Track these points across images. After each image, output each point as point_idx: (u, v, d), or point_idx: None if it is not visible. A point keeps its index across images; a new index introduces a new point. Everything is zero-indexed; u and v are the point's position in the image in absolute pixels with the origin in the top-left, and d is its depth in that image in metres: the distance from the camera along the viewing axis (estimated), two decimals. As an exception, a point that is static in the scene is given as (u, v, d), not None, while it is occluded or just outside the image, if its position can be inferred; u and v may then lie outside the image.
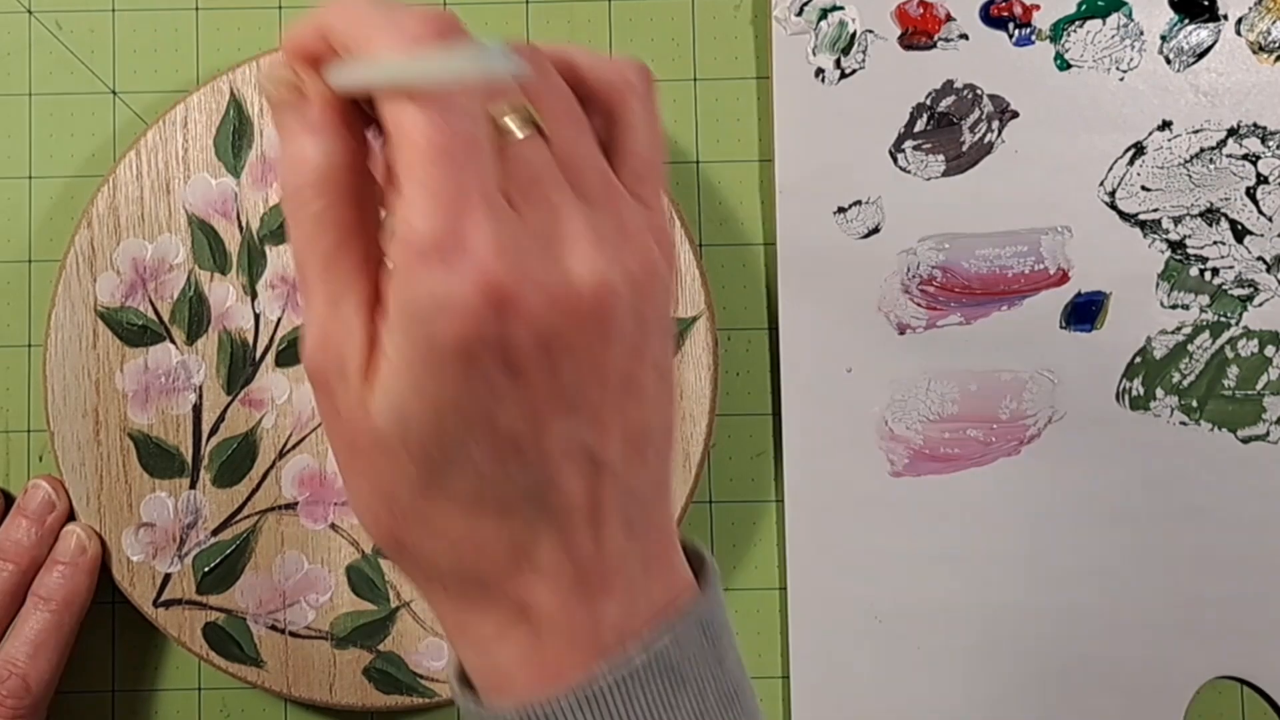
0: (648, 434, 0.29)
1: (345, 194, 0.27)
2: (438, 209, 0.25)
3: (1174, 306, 0.46)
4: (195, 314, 0.45)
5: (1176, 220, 0.46)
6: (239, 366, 0.45)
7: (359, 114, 0.28)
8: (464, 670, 0.30)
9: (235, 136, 0.45)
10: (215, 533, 0.45)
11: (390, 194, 0.26)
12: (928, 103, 0.46)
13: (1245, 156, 0.46)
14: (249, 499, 0.45)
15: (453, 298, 0.25)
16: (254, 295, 0.45)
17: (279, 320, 0.45)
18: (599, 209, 0.27)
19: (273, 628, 0.45)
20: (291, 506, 0.45)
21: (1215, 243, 0.46)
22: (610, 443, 0.28)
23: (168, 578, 0.45)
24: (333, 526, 0.45)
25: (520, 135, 0.27)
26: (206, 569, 0.45)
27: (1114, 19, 0.46)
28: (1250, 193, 0.46)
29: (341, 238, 0.27)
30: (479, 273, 0.25)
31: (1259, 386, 0.46)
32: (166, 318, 0.45)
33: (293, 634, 0.45)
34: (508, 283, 0.25)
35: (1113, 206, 0.46)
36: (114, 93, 0.48)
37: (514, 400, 0.26)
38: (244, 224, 0.45)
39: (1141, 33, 0.46)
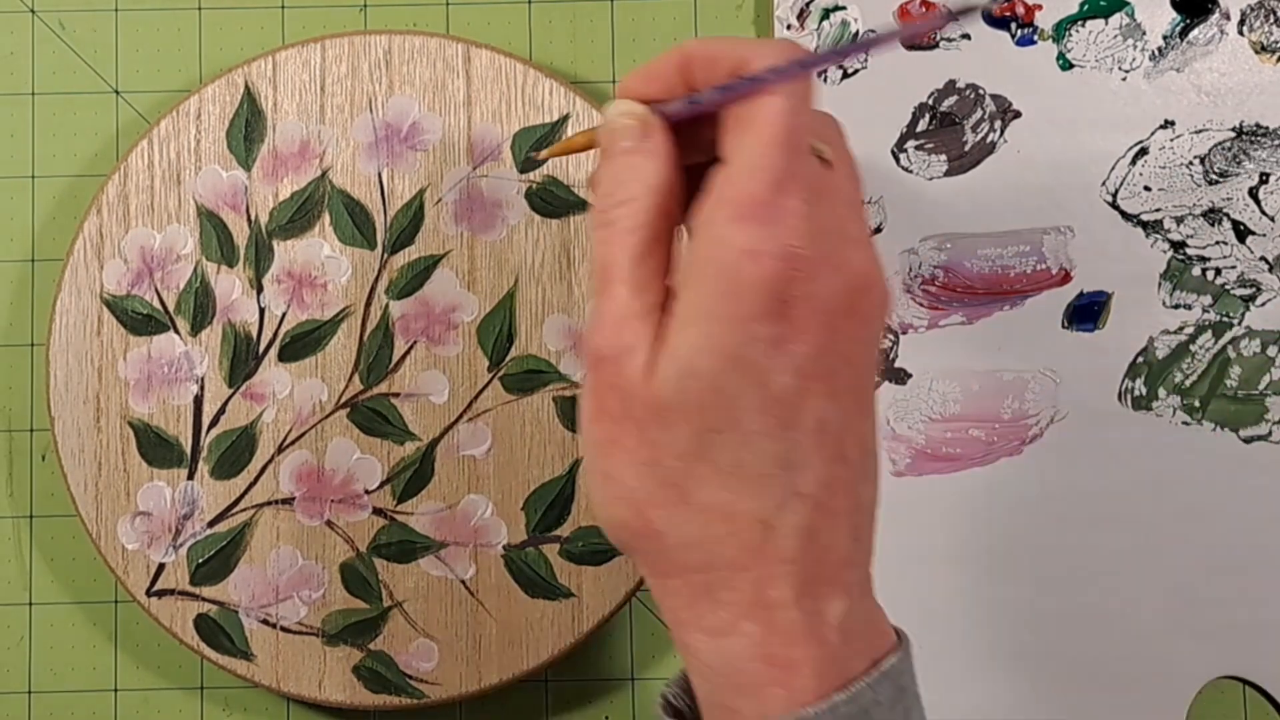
0: (871, 451, 0.36)
1: (665, 210, 0.36)
2: (768, 180, 0.33)
3: (1176, 306, 0.52)
4: (200, 305, 0.51)
5: (1179, 220, 0.52)
6: (241, 359, 0.52)
7: (679, 153, 0.37)
8: (668, 700, 0.37)
9: (248, 130, 0.52)
10: (211, 524, 0.51)
11: (715, 179, 0.35)
12: (930, 102, 0.53)
13: (1247, 156, 0.53)
14: (246, 492, 0.51)
15: (762, 250, 0.33)
16: (260, 289, 0.52)
17: (283, 315, 0.52)
18: (865, 239, 0.36)
19: (264, 622, 0.51)
20: (288, 501, 0.51)
21: (1218, 243, 0.52)
22: (850, 441, 0.35)
23: (162, 567, 0.51)
24: (328, 523, 0.51)
25: (820, 158, 0.36)
26: (201, 560, 0.51)
27: (1116, 19, 0.53)
28: (1253, 193, 0.52)
29: (653, 243, 0.36)
30: (788, 234, 0.33)
31: (1261, 386, 0.52)
32: (171, 308, 0.51)
33: (284, 629, 0.51)
34: (809, 249, 0.33)
35: (1115, 206, 0.52)
36: (117, 92, 0.55)
37: (788, 361, 0.33)
38: (253, 218, 0.52)
39: (1144, 32, 0.53)
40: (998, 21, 0.53)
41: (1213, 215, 0.52)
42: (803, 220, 0.33)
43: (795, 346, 0.33)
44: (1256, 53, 0.53)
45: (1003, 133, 0.53)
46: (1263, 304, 0.52)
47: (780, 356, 0.33)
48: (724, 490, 0.34)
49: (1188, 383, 0.52)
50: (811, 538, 0.34)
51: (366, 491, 0.51)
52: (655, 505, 0.34)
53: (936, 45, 0.53)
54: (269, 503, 0.51)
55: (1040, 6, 0.53)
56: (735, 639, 0.34)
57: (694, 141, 0.36)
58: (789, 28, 0.53)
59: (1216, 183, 0.52)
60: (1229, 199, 0.52)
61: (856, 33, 0.53)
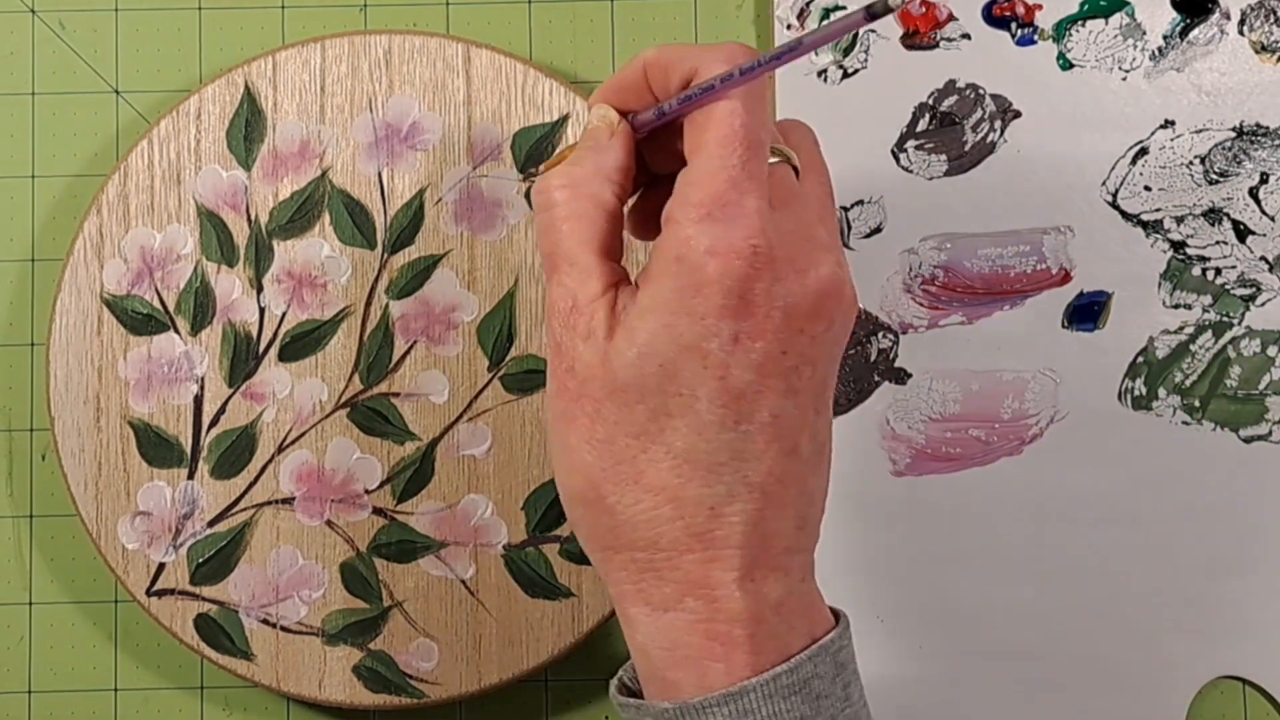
0: (824, 448, 0.37)
1: (607, 203, 0.38)
2: (725, 180, 0.35)
3: (1176, 306, 0.52)
4: (200, 305, 0.51)
5: (1179, 220, 0.52)
6: (241, 359, 0.52)
7: (638, 156, 0.39)
8: (623, 681, 0.39)
9: (248, 130, 0.52)
10: (211, 524, 0.51)
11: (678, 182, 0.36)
12: (930, 102, 0.53)
13: (1247, 156, 0.53)
14: (246, 492, 0.51)
15: (724, 246, 0.34)
16: (260, 289, 0.52)
17: (283, 315, 0.52)
18: (834, 245, 0.37)
19: (264, 621, 0.51)
20: (288, 501, 0.51)
21: (1218, 242, 0.52)
22: (805, 437, 0.36)
23: (162, 567, 0.51)
24: (329, 523, 0.51)
25: (779, 161, 0.38)
26: (201, 560, 0.51)
27: (1116, 19, 0.53)
28: (1253, 192, 0.52)
29: (597, 229, 0.37)
30: (750, 232, 0.35)
31: (1261, 386, 0.52)
32: (172, 308, 0.51)
33: (284, 629, 0.51)
34: (770, 247, 0.35)
35: (1115, 206, 0.52)
36: (117, 92, 0.55)
37: (746, 355, 0.35)
38: (253, 217, 0.52)
39: (1144, 32, 0.53)
40: (998, 21, 0.53)
41: (1213, 215, 0.52)
42: (762, 219, 0.35)
43: (755, 343, 0.35)
44: (1257, 52, 0.53)
45: (1003, 132, 0.53)
46: (1263, 304, 0.52)
47: (739, 352, 0.35)
48: (675, 474, 0.35)
49: (1188, 383, 0.52)
50: (757, 526, 0.36)
51: (366, 491, 0.51)
52: (609, 481, 0.36)
53: (937, 45, 0.53)
54: (269, 502, 0.51)
55: (1040, 6, 0.53)
56: (677, 614, 0.36)
57: (671, 151, 0.38)
58: (789, 27, 0.53)
59: (1217, 182, 0.52)
60: (1229, 199, 0.52)
61: (856, 35, 0.53)
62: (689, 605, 0.36)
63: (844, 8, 0.53)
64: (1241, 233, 0.52)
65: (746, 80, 0.35)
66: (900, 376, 0.53)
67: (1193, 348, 0.52)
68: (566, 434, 0.37)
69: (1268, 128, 0.52)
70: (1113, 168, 0.53)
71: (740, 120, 0.35)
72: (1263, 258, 0.52)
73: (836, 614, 0.38)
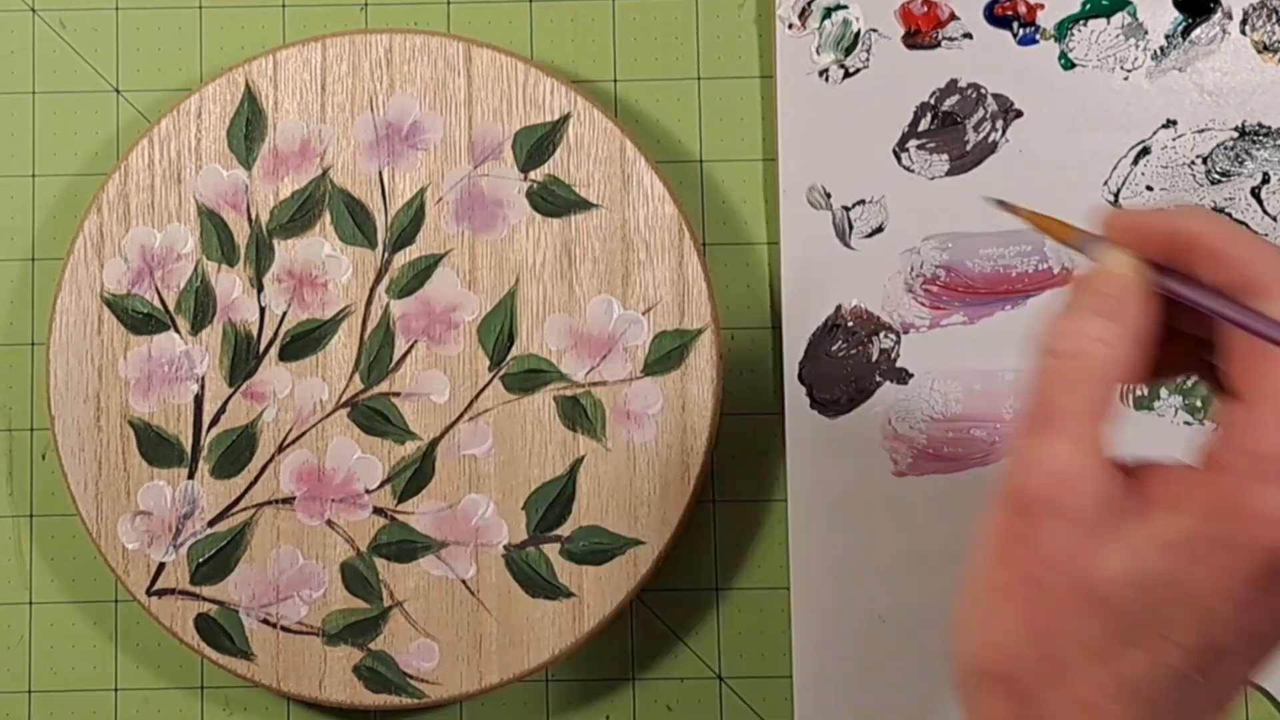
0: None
1: (1128, 369, 0.34)
2: None
3: (1179, 305, 0.53)
4: (201, 304, 0.52)
5: (1181, 219, 0.53)
6: (242, 359, 0.52)
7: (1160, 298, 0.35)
8: None
9: (248, 129, 0.52)
10: (211, 524, 0.51)
11: (1229, 403, 0.33)
12: (932, 102, 0.53)
13: (1250, 156, 0.53)
14: (246, 491, 0.51)
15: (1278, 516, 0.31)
16: (260, 288, 0.52)
17: (284, 314, 0.52)
18: None
19: (265, 621, 0.51)
20: (289, 501, 0.51)
21: (1220, 242, 0.53)
22: (1235, 699, 0.33)
23: (162, 567, 0.51)
24: (329, 523, 0.51)
25: None
26: (201, 560, 0.51)
27: (1118, 18, 0.53)
28: (1255, 193, 0.52)
29: (1107, 399, 0.34)
30: None
31: (1264, 386, 0.53)
32: (172, 307, 0.52)
33: (284, 628, 0.51)
34: None
35: (1117, 206, 0.53)
36: (117, 91, 0.56)
37: (1248, 624, 0.31)
38: (254, 217, 0.52)
39: (1146, 32, 0.53)
40: (1000, 21, 0.53)
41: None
42: None
43: (1256, 617, 0.32)
44: (1259, 52, 0.53)
45: (1004, 132, 0.53)
46: (1265, 304, 0.52)
47: (1242, 618, 0.32)
48: (1113, 701, 0.32)
49: (1189, 383, 0.52)
50: None
51: (367, 491, 0.51)
52: (1031, 673, 0.33)
53: (938, 45, 0.53)
54: (269, 502, 0.51)
55: (1042, 6, 0.53)
56: None
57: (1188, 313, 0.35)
58: (790, 27, 0.53)
59: (1219, 182, 0.53)
60: (1231, 199, 0.52)
61: (857, 32, 0.53)
62: None
63: (845, 6, 0.53)
64: (1244, 232, 0.52)
65: None
66: (902, 376, 0.53)
67: (1195, 348, 0.52)
68: (997, 607, 0.33)
69: (1270, 127, 0.52)
70: (1114, 167, 0.53)
71: None
72: (1265, 257, 0.52)
73: None
